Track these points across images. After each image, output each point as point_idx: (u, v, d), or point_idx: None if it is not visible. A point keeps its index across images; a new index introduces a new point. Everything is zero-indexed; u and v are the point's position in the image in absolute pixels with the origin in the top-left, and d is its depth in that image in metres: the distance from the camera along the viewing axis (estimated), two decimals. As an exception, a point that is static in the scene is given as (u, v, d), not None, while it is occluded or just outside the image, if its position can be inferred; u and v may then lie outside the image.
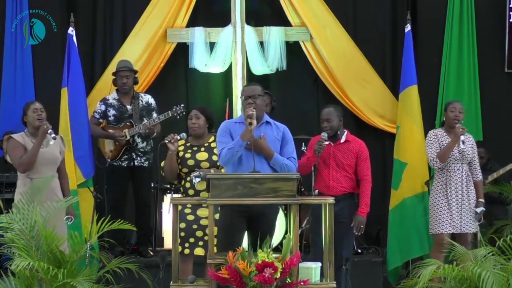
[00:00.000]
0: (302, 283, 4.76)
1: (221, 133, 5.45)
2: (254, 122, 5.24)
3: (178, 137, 5.92)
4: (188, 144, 5.97)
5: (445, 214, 6.26)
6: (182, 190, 5.94)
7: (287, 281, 4.71)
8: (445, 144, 6.28)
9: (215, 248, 5.16)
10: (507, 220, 7.16)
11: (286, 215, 6.74)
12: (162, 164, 6.00)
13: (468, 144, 6.34)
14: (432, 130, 6.51)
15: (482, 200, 6.35)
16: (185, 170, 5.89)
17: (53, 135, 6.01)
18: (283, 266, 4.61)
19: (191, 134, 6.00)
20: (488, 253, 4.78)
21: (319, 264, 5.20)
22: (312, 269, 5.12)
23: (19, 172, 6.00)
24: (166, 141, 5.89)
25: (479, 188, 6.40)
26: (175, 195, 6.92)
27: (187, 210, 5.80)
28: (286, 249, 4.71)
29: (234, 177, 5.03)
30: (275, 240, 6.63)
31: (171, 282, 5.25)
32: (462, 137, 6.18)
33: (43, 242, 4.92)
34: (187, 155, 5.90)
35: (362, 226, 6.12)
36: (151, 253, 7.28)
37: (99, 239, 5.55)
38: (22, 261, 4.73)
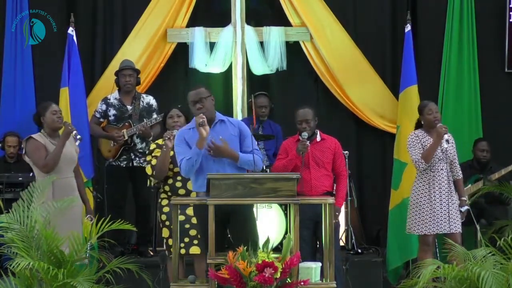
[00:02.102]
0: (302, 283, 4.76)
1: (177, 142, 5.35)
2: (207, 128, 5.17)
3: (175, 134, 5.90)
4: None
5: (427, 214, 6.20)
6: (168, 189, 5.93)
7: (287, 281, 4.71)
8: (427, 145, 6.24)
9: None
10: (507, 220, 7.15)
11: (286, 215, 6.75)
12: (152, 161, 5.94)
13: (450, 142, 6.32)
14: (412, 132, 6.41)
15: (465, 198, 6.32)
16: (176, 169, 5.86)
17: (78, 136, 6.02)
18: (283, 266, 4.61)
19: None
20: (488, 253, 4.78)
21: (319, 264, 5.20)
22: (312, 269, 5.12)
23: (43, 172, 5.87)
24: (166, 138, 5.86)
25: (460, 187, 6.35)
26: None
27: None
28: (286, 249, 4.71)
29: (234, 177, 5.02)
30: (275, 240, 6.65)
31: (171, 282, 5.25)
32: (446, 136, 6.16)
33: (43, 242, 4.92)
34: None
35: (337, 214, 6.11)
36: (151, 253, 7.28)
37: (99, 239, 5.54)
38: (22, 261, 4.73)
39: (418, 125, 6.44)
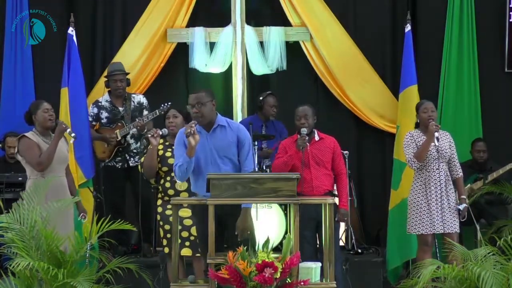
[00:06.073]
0: (302, 283, 4.76)
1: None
2: (196, 137, 5.07)
3: (160, 132, 5.92)
4: (167, 143, 5.97)
5: (425, 214, 6.19)
6: (161, 189, 5.93)
7: (287, 281, 4.71)
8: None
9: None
10: (507, 220, 7.15)
11: (286, 215, 6.75)
12: (142, 159, 5.99)
13: (445, 141, 6.30)
14: (408, 132, 6.41)
15: (464, 196, 6.30)
16: (165, 168, 5.87)
17: (73, 134, 6.02)
18: (283, 266, 4.61)
19: (169, 134, 5.99)
20: (488, 253, 4.78)
21: (319, 264, 5.20)
22: (312, 269, 5.12)
23: (36, 171, 5.85)
24: (149, 135, 5.88)
25: (460, 185, 6.33)
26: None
27: (169, 212, 5.77)
28: (286, 249, 4.71)
29: (234, 177, 5.02)
30: (275, 240, 6.65)
31: (171, 282, 5.25)
32: (436, 134, 6.16)
33: (43, 242, 4.92)
34: (168, 154, 5.90)
35: (346, 218, 6.17)
36: (151, 253, 7.27)
37: (100, 239, 5.54)
38: (22, 261, 4.73)
39: (418, 125, 6.44)
